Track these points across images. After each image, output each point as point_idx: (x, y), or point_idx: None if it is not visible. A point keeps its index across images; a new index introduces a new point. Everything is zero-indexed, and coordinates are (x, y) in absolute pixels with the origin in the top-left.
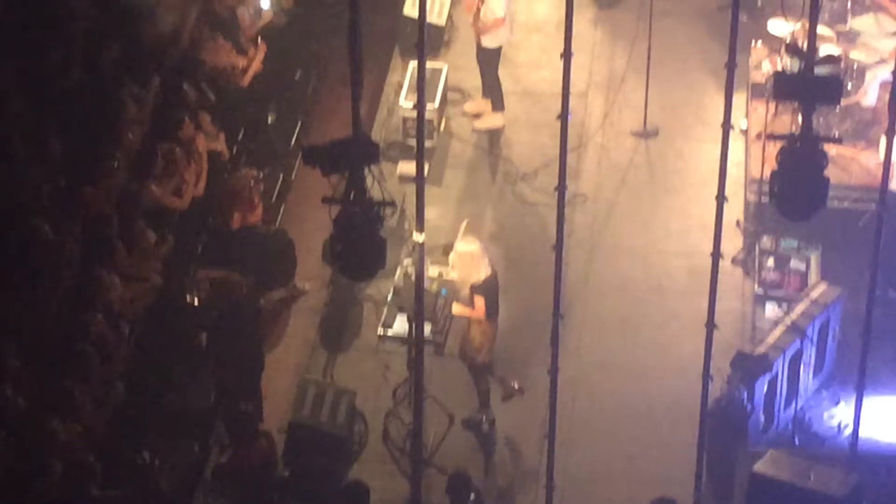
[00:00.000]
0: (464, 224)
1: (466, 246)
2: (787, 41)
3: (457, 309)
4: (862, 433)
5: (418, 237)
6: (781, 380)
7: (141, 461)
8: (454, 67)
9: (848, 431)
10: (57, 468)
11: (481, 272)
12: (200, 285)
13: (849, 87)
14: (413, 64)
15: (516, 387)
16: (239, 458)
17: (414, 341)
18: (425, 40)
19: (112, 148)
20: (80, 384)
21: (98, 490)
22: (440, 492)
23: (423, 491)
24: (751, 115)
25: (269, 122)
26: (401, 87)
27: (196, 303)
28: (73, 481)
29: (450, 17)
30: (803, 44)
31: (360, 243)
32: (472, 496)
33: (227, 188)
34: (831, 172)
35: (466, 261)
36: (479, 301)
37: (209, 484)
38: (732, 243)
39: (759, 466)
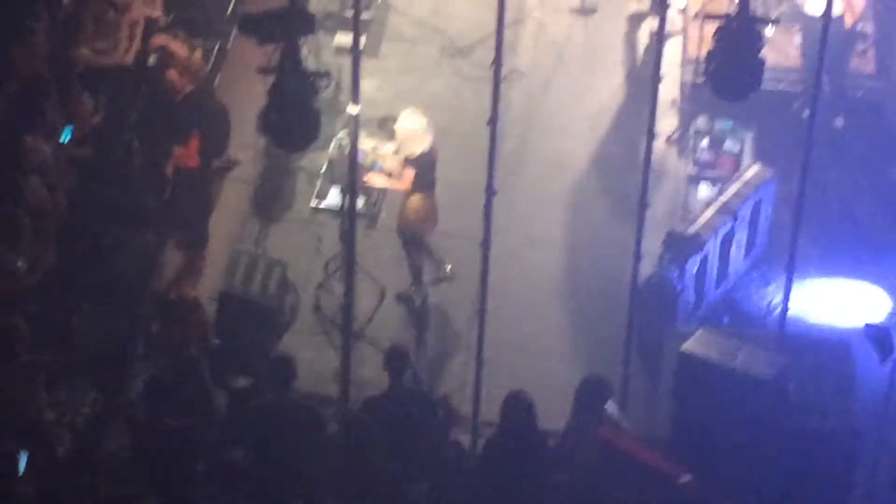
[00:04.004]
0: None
1: (414, 120)
2: None
3: (379, 181)
4: (791, 315)
5: (353, 109)
6: (712, 260)
7: (71, 327)
8: None
9: (777, 313)
10: None
11: (421, 146)
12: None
13: None
14: None
15: (448, 270)
16: (170, 326)
17: (346, 214)
18: None
19: (41, 8)
20: (9, 248)
21: (27, 354)
22: (371, 365)
23: (354, 364)
24: None
25: None
26: None
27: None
28: (1, 345)
29: None
30: None
31: (295, 114)
32: (409, 371)
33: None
34: (768, 54)
35: (411, 134)
36: (409, 173)
37: (140, 352)
38: (668, 123)
39: (688, 345)
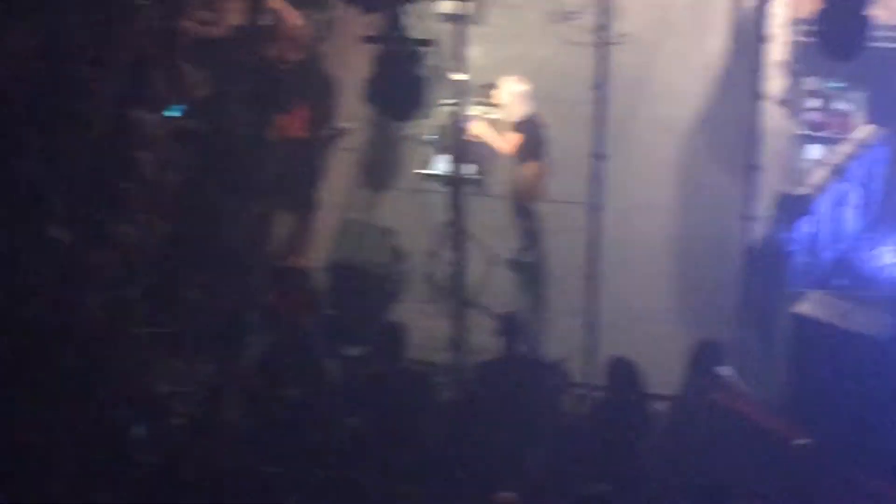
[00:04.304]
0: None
1: (515, 84)
2: None
3: (482, 128)
4: None
5: (459, 76)
6: (824, 221)
7: (186, 299)
8: None
9: (892, 272)
10: (97, 302)
11: (524, 110)
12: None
13: None
14: None
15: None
16: (282, 297)
17: (455, 181)
18: None
19: None
20: (122, 221)
21: (141, 327)
22: (482, 332)
23: (466, 331)
24: None
25: None
26: None
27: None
28: (115, 317)
29: None
30: None
31: (401, 83)
32: (522, 337)
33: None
34: (882, 11)
35: (513, 98)
36: (513, 137)
37: (254, 322)
38: (778, 83)
39: (802, 307)
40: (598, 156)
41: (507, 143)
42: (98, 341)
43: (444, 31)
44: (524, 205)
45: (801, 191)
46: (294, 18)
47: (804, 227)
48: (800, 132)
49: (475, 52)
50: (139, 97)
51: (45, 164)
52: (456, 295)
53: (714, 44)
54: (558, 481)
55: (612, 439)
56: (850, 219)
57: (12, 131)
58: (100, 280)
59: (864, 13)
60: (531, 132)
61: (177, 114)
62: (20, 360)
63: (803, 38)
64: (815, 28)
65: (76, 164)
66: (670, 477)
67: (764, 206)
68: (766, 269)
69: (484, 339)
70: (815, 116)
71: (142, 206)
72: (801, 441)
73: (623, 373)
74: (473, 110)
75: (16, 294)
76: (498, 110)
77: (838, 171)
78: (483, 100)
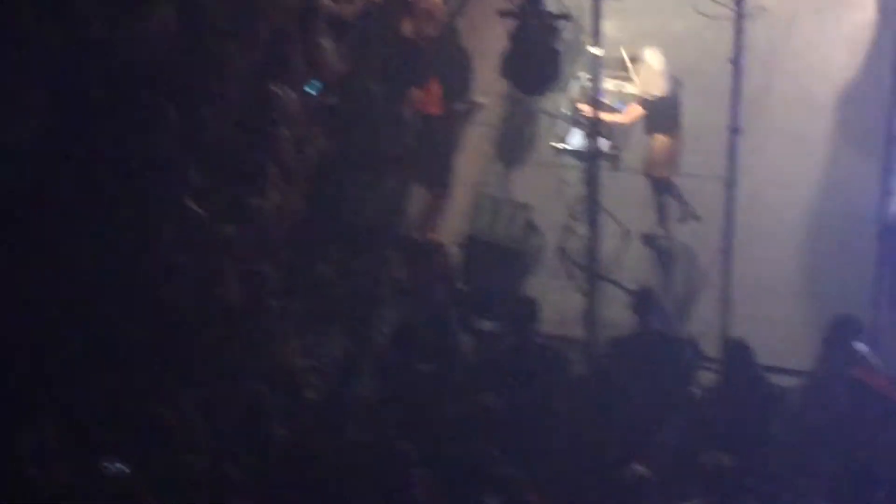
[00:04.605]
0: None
1: (651, 57)
2: None
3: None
4: None
5: (595, 50)
6: None
7: (320, 273)
8: None
9: None
10: (233, 276)
11: (660, 83)
12: None
13: None
14: None
15: (694, 211)
16: (416, 272)
17: (590, 156)
18: None
19: None
20: (257, 196)
21: (276, 301)
22: (616, 307)
23: (600, 306)
24: None
25: None
26: None
27: None
28: (249, 291)
29: None
30: None
31: (536, 56)
32: (656, 312)
33: None
34: None
35: (649, 72)
36: (635, 110)
37: (387, 296)
38: None
39: None
40: (734, 130)
41: (624, 115)
42: (233, 315)
43: (579, 4)
44: (659, 179)
45: None
46: None
47: None
48: None
49: (611, 25)
50: (277, 73)
51: (183, 140)
52: (590, 270)
53: (854, 17)
54: (691, 457)
55: (746, 416)
56: None
57: (151, 106)
58: (235, 254)
59: None
60: (660, 108)
61: (314, 90)
62: (157, 335)
63: None
64: None
65: (214, 139)
66: (804, 454)
67: None
68: None
69: (617, 314)
70: None
71: (278, 181)
72: None
73: (752, 349)
74: (609, 84)
75: (153, 268)
76: (634, 84)
77: None
78: (619, 73)
